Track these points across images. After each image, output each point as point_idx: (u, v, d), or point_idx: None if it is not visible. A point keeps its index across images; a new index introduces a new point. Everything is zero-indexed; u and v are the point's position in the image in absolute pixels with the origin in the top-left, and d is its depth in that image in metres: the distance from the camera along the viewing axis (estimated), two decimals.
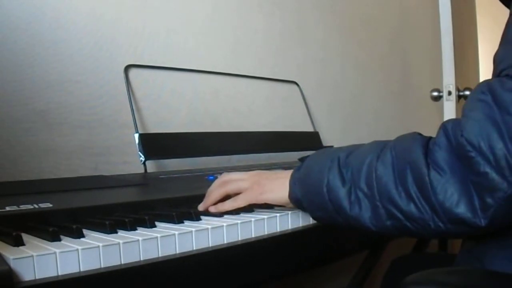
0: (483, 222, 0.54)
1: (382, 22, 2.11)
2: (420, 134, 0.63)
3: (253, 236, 0.67)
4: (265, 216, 0.69)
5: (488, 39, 2.12)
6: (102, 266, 0.51)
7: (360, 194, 0.63)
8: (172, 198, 0.81)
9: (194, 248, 0.60)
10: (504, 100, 0.53)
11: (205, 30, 1.41)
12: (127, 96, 1.15)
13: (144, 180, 1.04)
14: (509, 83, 0.54)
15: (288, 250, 0.71)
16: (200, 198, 0.79)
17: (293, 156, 1.43)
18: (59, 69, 1.10)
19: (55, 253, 0.48)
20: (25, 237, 0.55)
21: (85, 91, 1.13)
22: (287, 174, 0.73)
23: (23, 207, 0.66)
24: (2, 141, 1.00)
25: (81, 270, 0.50)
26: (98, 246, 0.51)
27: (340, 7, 1.90)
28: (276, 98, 1.55)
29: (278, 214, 0.71)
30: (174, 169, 1.22)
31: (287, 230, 0.72)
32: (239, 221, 0.66)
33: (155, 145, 1.14)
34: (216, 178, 0.82)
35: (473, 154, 0.54)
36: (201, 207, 0.77)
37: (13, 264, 0.46)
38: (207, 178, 1.00)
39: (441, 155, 0.57)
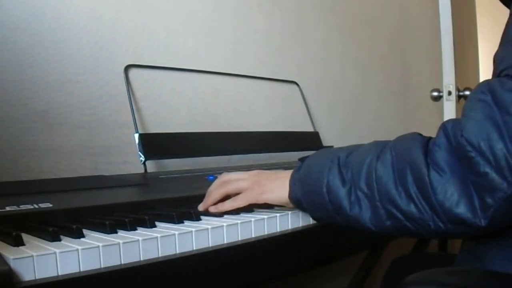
0: (483, 222, 0.54)
1: (382, 22, 2.11)
2: (420, 134, 0.63)
3: (253, 236, 0.67)
4: (265, 216, 0.69)
5: (488, 39, 2.12)
6: (102, 266, 0.51)
7: (360, 194, 0.63)
8: (172, 198, 0.81)
9: (194, 248, 0.60)
10: (504, 100, 0.53)
11: (205, 30, 1.41)
12: (127, 96, 1.15)
13: (144, 180, 1.04)
14: (509, 83, 0.54)
15: (288, 250, 0.71)
16: (200, 198, 0.79)
17: (293, 156, 1.42)
18: (59, 69, 1.10)
19: (55, 253, 0.48)
20: (25, 237, 0.55)
21: (85, 91, 1.13)
22: (287, 174, 0.73)
23: (23, 207, 0.66)
24: (2, 141, 1.00)
25: (81, 270, 0.50)
26: (98, 246, 0.51)
27: (340, 7, 1.90)
28: (276, 98, 1.55)
29: (278, 214, 0.71)
30: (174, 169, 1.22)
31: (287, 230, 0.72)
32: (239, 221, 0.66)
33: (155, 145, 1.14)
34: (216, 178, 0.82)
35: (473, 154, 0.54)
36: (201, 207, 0.77)
37: (13, 264, 0.46)
38: (207, 178, 1.00)
39: (441, 155, 0.57)
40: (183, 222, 0.66)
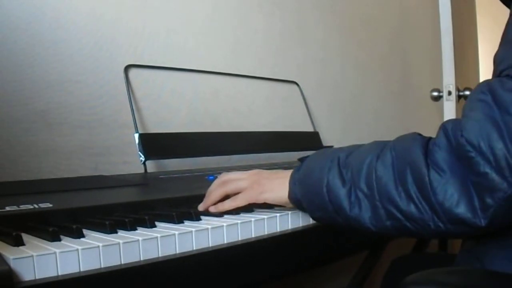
0: (483, 222, 0.54)
1: (382, 22, 2.11)
2: (420, 135, 0.63)
3: (253, 236, 0.67)
4: (265, 216, 0.69)
5: (488, 39, 2.12)
6: (102, 266, 0.51)
7: (360, 195, 0.63)
8: (172, 198, 0.81)
9: (194, 248, 0.60)
10: (504, 100, 0.53)
11: (205, 30, 1.41)
12: (127, 96, 1.15)
13: (144, 180, 1.04)
14: (509, 83, 0.54)
15: (288, 250, 0.71)
16: (200, 198, 0.79)
17: (293, 156, 1.43)
18: (59, 69, 1.10)
19: (55, 253, 0.48)
20: (25, 237, 0.55)
21: (85, 91, 1.13)
22: (287, 174, 0.73)
23: (23, 207, 0.66)
24: (2, 141, 1.00)
25: (81, 270, 0.50)
26: (98, 246, 0.51)
27: (340, 7, 1.90)
28: (276, 98, 1.55)
29: (278, 214, 0.71)
30: (174, 169, 1.22)
31: (287, 230, 0.72)
32: (239, 221, 0.66)
33: (155, 145, 1.14)
34: (216, 178, 0.82)
35: (473, 154, 0.54)
36: (201, 207, 0.77)
37: (13, 264, 0.46)
38: (207, 178, 1.00)
39: (441, 156, 0.57)
40: (183, 222, 0.66)
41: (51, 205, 0.68)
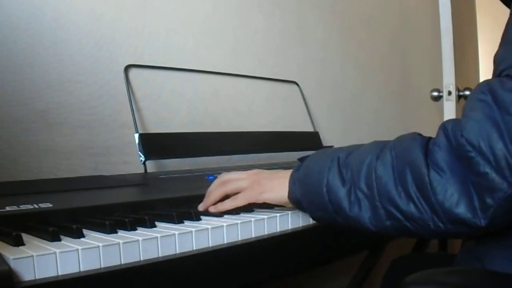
0: (483, 222, 0.54)
1: (382, 22, 2.11)
2: (420, 134, 0.63)
3: (253, 236, 0.67)
4: (265, 216, 0.69)
5: (488, 39, 2.12)
6: (102, 266, 0.51)
7: (360, 194, 0.63)
8: (172, 198, 0.80)
9: (194, 248, 0.60)
10: (504, 100, 0.53)
11: (205, 30, 1.41)
12: (127, 96, 1.15)
13: (144, 180, 1.04)
14: (509, 83, 0.54)
15: (288, 250, 0.71)
16: (200, 198, 0.79)
17: (293, 156, 1.42)
18: (59, 69, 1.10)
19: (55, 253, 0.48)
20: (25, 237, 0.55)
21: (85, 91, 1.13)
22: (287, 173, 0.73)
23: (23, 207, 0.66)
24: (2, 141, 1.00)
25: (81, 270, 0.50)
26: (98, 246, 0.51)
27: (340, 7, 1.90)
28: (276, 98, 1.55)
29: (278, 214, 0.71)
30: (174, 169, 1.22)
31: (287, 230, 0.72)
32: (239, 221, 0.66)
33: (155, 145, 1.14)
34: (216, 178, 0.82)
35: (473, 154, 0.54)
36: (201, 207, 0.77)
37: (13, 264, 0.46)
38: (207, 178, 1.00)
39: (441, 156, 0.57)
40: (183, 222, 0.66)
41: (51, 205, 0.68)
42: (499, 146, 0.52)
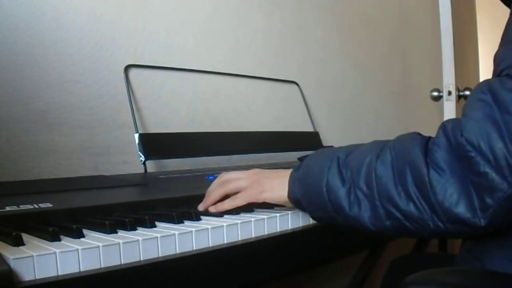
0: (482, 222, 0.54)
1: (382, 22, 2.11)
2: (419, 134, 0.63)
3: (253, 236, 0.67)
4: (265, 216, 0.69)
5: (488, 39, 2.12)
6: (102, 266, 0.51)
7: (360, 194, 0.63)
8: (172, 198, 0.80)
9: (194, 248, 0.60)
10: (504, 100, 0.53)
11: (205, 30, 1.41)
12: (127, 96, 1.15)
13: (144, 180, 1.04)
14: (509, 82, 0.54)
15: (288, 250, 0.71)
16: (200, 198, 0.79)
17: (293, 156, 1.42)
18: (59, 69, 1.10)
19: (55, 253, 0.48)
20: (25, 237, 0.55)
21: (85, 91, 1.13)
22: (287, 173, 0.73)
23: (23, 207, 0.66)
24: (2, 141, 1.00)
25: (81, 270, 0.50)
26: (98, 246, 0.51)
27: (340, 7, 1.90)
28: (276, 98, 1.55)
29: (278, 214, 0.71)
30: (174, 169, 1.22)
31: (287, 230, 0.72)
32: (239, 221, 0.66)
33: (155, 145, 1.14)
34: (216, 178, 0.82)
35: (472, 154, 0.54)
36: (201, 207, 0.77)
37: (13, 264, 0.46)
38: (207, 178, 1.00)
39: (440, 155, 0.57)
40: (183, 222, 0.66)
41: (51, 205, 0.68)
42: (499, 146, 0.52)
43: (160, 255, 0.56)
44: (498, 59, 0.59)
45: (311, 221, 0.74)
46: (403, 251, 1.21)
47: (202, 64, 1.35)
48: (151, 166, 1.19)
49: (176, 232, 0.58)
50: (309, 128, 1.60)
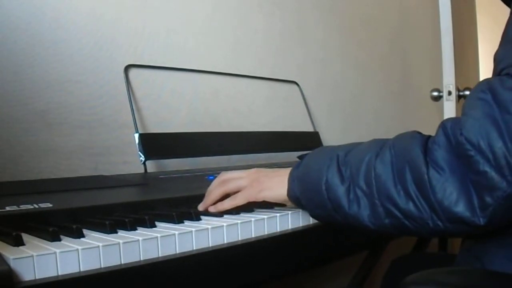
0: (482, 221, 0.54)
1: (382, 22, 2.11)
2: (419, 133, 0.63)
3: (253, 236, 0.67)
4: (265, 216, 0.69)
5: (488, 39, 2.12)
6: (102, 266, 0.51)
7: (359, 192, 0.63)
8: (172, 198, 0.80)
9: (194, 248, 0.60)
10: (504, 99, 0.53)
11: (205, 30, 1.41)
12: (127, 96, 1.15)
13: (144, 180, 1.04)
14: (509, 82, 0.54)
15: (288, 250, 0.71)
16: (200, 198, 0.79)
17: (293, 156, 1.42)
18: (59, 69, 1.10)
19: (55, 253, 0.48)
20: (25, 237, 0.55)
21: (85, 91, 1.13)
22: (286, 171, 0.73)
23: (23, 207, 0.66)
24: (2, 141, 1.00)
25: (81, 270, 0.50)
26: (98, 246, 0.51)
27: (340, 7, 1.90)
28: (276, 98, 1.55)
29: (278, 214, 0.71)
30: (174, 169, 1.22)
31: (287, 230, 0.72)
32: (239, 221, 0.66)
33: (155, 145, 1.14)
34: (216, 177, 0.82)
35: (472, 153, 0.54)
36: (201, 207, 0.77)
37: (13, 264, 0.46)
38: (207, 178, 1.00)
39: (440, 154, 0.57)
40: (183, 222, 0.66)
41: (51, 205, 0.68)
42: (498, 145, 0.52)
43: (160, 255, 0.56)
44: (498, 58, 0.59)
45: (311, 221, 0.74)
46: (403, 251, 1.21)
47: (202, 64, 1.35)
48: (151, 166, 1.19)
49: (176, 232, 0.58)
50: (309, 128, 1.60)
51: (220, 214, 0.73)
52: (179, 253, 0.58)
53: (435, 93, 1.82)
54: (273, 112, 1.52)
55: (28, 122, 1.04)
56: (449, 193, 0.55)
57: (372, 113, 2.02)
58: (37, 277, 0.47)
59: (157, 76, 1.24)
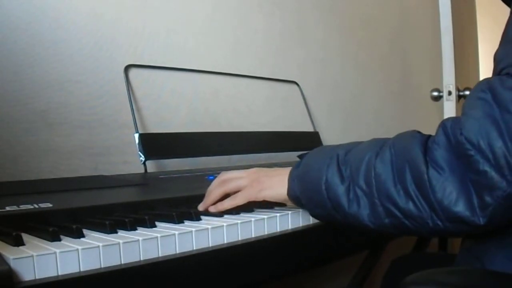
0: (481, 221, 0.54)
1: (382, 22, 2.11)
2: (419, 132, 0.63)
3: (253, 236, 0.67)
4: (265, 216, 0.69)
5: (488, 39, 2.12)
6: (102, 266, 0.51)
7: (359, 192, 0.63)
8: (172, 198, 0.80)
9: (194, 248, 0.60)
10: (504, 98, 0.53)
11: (205, 30, 1.41)
12: (127, 96, 1.15)
13: (144, 180, 1.04)
14: (509, 81, 0.54)
15: (288, 250, 0.71)
16: (200, 198, 0.79)
17: (293, 156, 1.42)
18: (59, 69, 1.10)
19: (55, 253, 0.48)
20: (25, 237, 0.55)
21: (85, 91, 1.13)
22: (286, 171, 0.73)
23: (23, 207, 0.66)
24: (2, 141, 1.00)
25: (81, 270, 0.50)
26: (98, 246, 0.51)
27: (340, 7, 1.90)
28: (276, 98, 1.55)
29: (278, 214, 0.71)
30: (174, 169, 1.22)
31: (287, 230, 0.72)
32: (239, 221, 0.66)
33: (155, 145, 1.14)
34: (216, 177, 0.82)
35: (472, 152, 0.54)
36: (201, 207, 0.77)
37: (13, 264, 0.46)
38: (207, 178, 1.00)
39: (440, 154, 0.57)
40: (183, 222, 0.66)
41: (51, 205, 0.68)
42: (498, 145, 0.52)
43: (160, 255, 0.56)
44: (498, 58, 0.59)
45: (311, 221, 0.74)
46: (403, 251, 1.21)
47: (202, 64, 1.35)
48: (151, 166, 1.19)
49: (176, 232, 0.58)
50: (309, 128, 1.60)
51: (220, 214, 0.73)
52: (179, 253, 0.58)
53: (435, 93, 1.82)
54: (273, 112, 1.52)
55: (28, 122, 1.04)
56: (449, 192, 0.55)
57: (372, 113, 2.02)
58: (37, 277, 0.47)
59: (157, 76, 1.24)
